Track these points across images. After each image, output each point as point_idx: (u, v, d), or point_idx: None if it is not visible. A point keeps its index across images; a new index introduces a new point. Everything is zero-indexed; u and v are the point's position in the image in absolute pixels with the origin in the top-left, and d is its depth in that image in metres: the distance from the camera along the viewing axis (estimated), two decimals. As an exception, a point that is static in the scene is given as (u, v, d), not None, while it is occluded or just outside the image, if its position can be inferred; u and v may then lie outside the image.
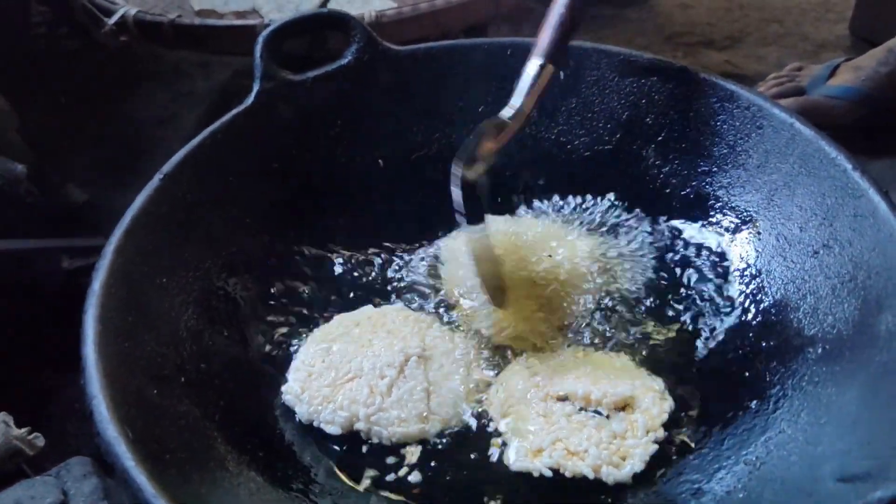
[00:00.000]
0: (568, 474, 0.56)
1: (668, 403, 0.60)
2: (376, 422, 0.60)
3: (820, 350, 0.56)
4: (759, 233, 0.66)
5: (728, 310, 0.66)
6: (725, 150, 0.69)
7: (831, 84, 1.15)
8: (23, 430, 0.66)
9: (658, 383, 0.61)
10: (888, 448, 0.43)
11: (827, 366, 0.54)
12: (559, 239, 0.73)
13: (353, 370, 0.63)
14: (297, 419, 0.61)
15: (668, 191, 0.73)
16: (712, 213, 0.70)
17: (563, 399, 0.60)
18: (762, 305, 0.63)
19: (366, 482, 0.58)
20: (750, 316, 0.64)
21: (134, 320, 0.55)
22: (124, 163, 1.16)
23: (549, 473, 0.56)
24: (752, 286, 0.65)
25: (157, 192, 0.62)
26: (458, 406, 0.62)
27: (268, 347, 0.66)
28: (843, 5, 1.49)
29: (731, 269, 0.68)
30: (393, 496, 0.57)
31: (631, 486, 0.56)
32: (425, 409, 0.61)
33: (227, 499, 0.49)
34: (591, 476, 0.55)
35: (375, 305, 0.70)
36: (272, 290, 0.70)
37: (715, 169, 0.70)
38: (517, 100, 0.66)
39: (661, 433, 0.58)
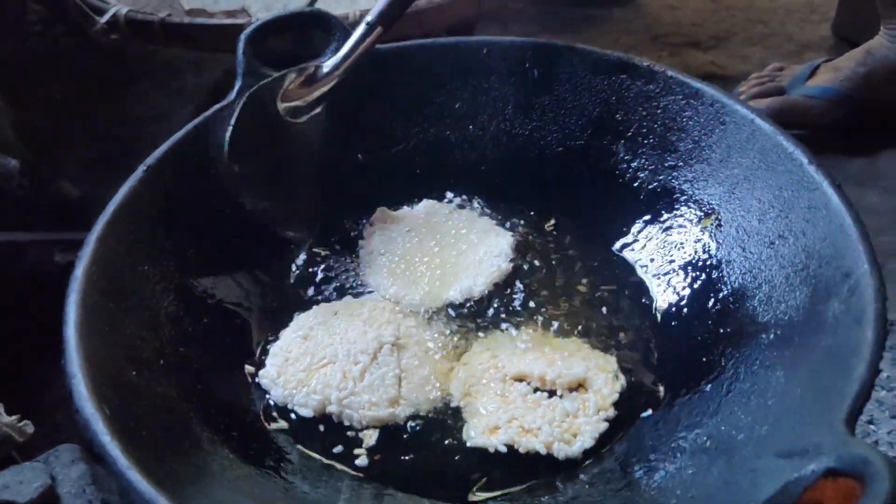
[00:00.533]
0: (522, 450, 0.59)
1: (620, 383, 0.63)
2: (348, 405, 0.62)
3: (772, 336, 0.58)
4: (720, 225, 0.68)
5: (689, 300, 0.68)
6: (691, 146, 0.72)
7: (810, 84, 1.17)
8: (13, 417, 0.68)
9: (611, 363, 0.64)
10: (825, 426, 0.45)
11: (778, 350, 0.56)
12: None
13: (328, 356, 0.65)
14: (272, 401, 0.64)
15: (636, 185, 0.75)
16: (677, 206, 0.72)
17: (521, 380, 0.63)
18: (721, 294, 0.66)
19: (336, 462, 0.60)
20: (710, 304, 0.66)
21: (115, 306, 0.57)
22: (117, 159, 1.17)
23: (503, 449, 0.59)
24: (713, 276, 0.67)
25: (141, 183, 0.65)
26: (427, 391, 0.64)
27: (242, 330, 0.69)
28: (827, 6, 1.50)
29: (693, 260, 0.70)
30: (361, 475, 0.59)
31: (585, 463, 0.58)
32: (396, 394, 0.63)
33: (199, 473, 0.51)
34: (543, 452, 0.58)
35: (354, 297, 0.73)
36: (253, 281, 0.72)
37: (681, 164, 0.72)
38: (341, 53, 0.73)
39: (611, 412, 0.61)
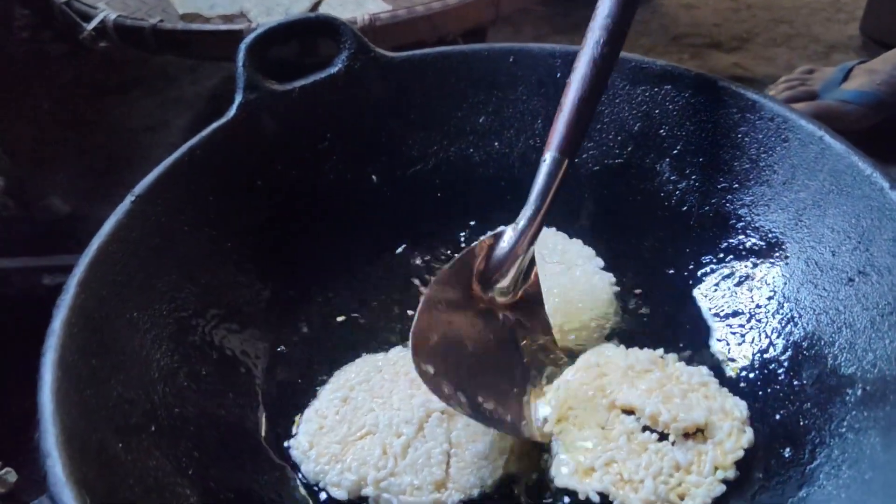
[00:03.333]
0: (616, 503, 0.51)
1: (747, 437, 0.54)
2: (386, 488, 0.53)
3: (860, 392, 0.50)
4: (786, 257, 0.61)
5: (753, 342, 0.61)
6: (748, 165, 0.64)
7: (845, 88, 1.13)
8: (-6, 466, 0.61)
9: (739, 409, 0.55)
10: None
11: (869, 410, 0.49)
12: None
13: (367, 425, 0.56)
14: (301, 478, 0.56)
15: (684, 209, 0.68)
16: (733, 234, 0.65)
17: (629, 412, 0.54)
18: (792, 338, 0.58)
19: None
20: (779, 350, 0.58)
21: (98, 363, 0.49)
22: (109, 172, 1.12)
23: (596, 499, 0.51)
24: (779, 316, 0.60)
25: (128, 216, 0.57)
26: (481, 473, 0.54)
27: (246, 383, 0.61)
28: (853, 5, 1.46)
29: (756, 296, 0.62)
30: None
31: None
32: (443, 475, 0.54)
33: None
34: None
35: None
36: (263, 327, 0.64)
37: (736, 185, 0.65)
38: (527, 210, 0.60)
39: (731, 472, 0.52)
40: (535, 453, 0.56)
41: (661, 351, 0.60)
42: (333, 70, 0.69)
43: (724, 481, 0.52)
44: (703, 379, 0.57)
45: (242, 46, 0.66)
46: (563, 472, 0.53)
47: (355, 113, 0.70)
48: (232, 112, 0.65)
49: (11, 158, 1.10)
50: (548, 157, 0.59)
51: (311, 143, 0.70)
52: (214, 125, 0.64)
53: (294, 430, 0.59)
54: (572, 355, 0.61)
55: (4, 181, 1.02)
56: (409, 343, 0.53)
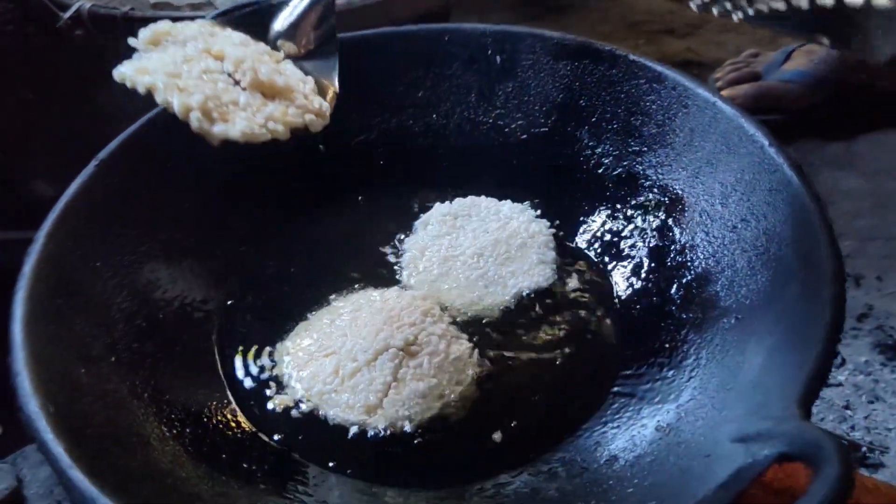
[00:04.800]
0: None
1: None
2: (326, 401, 0.61)
3: (733, 320, 0.57)
4: (684, 210, 0.68)
5: (653, 285, 0.67)
6: (655, 130, 0.71)
7: (786, 68, 1.17)
8: (-22, 420, 0.67)
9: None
10: (779, 409, 0.44)
11: (738, 334, 0.56)
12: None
13: (334, 347, 0.64)
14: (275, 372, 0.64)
15: (601, 171, 0.74)
16: (642, 192, 0.72)
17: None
18: (685, 280, 0.65)
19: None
20: (673, 290, 0.65)
21: (63, 302, 0.56)
22: (91, 157, 1.16)
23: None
24: (677, 261, 0.67)
25: (92, 178, 0.63)
26: (412, 410, 0.60)
27: (203, 327, 0.67)
28: (803, -8, 1.50)
29: (658, 245, 0.69)
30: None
31: (551, 451, 0.58)
32: (377, 402, 0.60)
33: (147, 471, 0.50)
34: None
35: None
36: (214, 278, 0.71)
37: (645, 149, 0.72)
38: None
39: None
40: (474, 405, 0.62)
41: None
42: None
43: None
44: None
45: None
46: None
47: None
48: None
49: (-2, 144, 1.14)
50: None
51: (264, 115, 0.76)
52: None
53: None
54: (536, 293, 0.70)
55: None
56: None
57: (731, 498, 0.41)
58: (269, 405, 0.62)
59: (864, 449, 0.76)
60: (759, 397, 0.48)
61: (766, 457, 0.41)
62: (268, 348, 0.66)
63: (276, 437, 0.60)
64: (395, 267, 0.73)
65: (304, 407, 0.62)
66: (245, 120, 0.59)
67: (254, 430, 0.60)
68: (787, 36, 1.41)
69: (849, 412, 0.80)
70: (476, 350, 0.65)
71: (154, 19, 1.00)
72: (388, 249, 0.75)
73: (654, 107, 0.70)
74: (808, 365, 0.46)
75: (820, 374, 0.45)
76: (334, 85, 0.69)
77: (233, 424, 0.60)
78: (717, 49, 1.40)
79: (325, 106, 0.64)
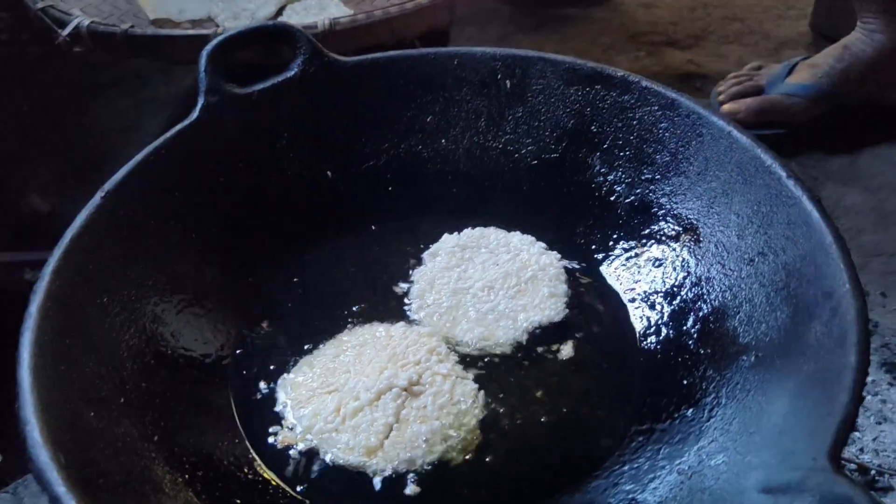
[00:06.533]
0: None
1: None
2: (326, 440, 0.60)
3: (753, 358, 0.56)
4: (699, 241, 0.67)
5: (669, 318, 0.67)
6: (668, 158, 0.70)
7: (789, 82, 1.17)
8: (-20, 448, 0.66)
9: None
10: (807, 459, 0.43)
11: (759, 374, 0.55)
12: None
13: (337, 384, 0.63)
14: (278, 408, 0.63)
15: (612, 199, 0.73)
16: (655, 221, 0.71)
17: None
18: (701, 313, 0.64)
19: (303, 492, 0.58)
20: (689, 323, 0.64)
21: (72, 342, 0.55)
22: (87, 171, 1.15)
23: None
24: (692, 294, 0.66)
25: (98, 210, 0.62)
26: (414, 453, 0.59)
27: (211, 361, 0.66)
28: (804, 2, 1.51)
29: (672, 276, 0.68)
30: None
31: (566, 492, 0.56)
32: (378, 444, 0.59)
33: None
34: None
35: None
36: (223, 313, 0.70)
37: (658, 176, 0.71)
38: None
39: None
40: (477, 447, 0.61)
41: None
42: (290, 74, 0.74)
43: None
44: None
45: (204, 53, 0.71)
46: None
47: (311, 114, 0.75)
48: (195, 114, 0.70)
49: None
50: None
51: (270, 143, 0.75)
52: (178, 126, 0.69)
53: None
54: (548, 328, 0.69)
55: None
56: None
57: (762, 555, 0.41)
58: (270, 440, 0.61)
59: (873, 472, 0.75)
60: (785, 444, 0.47)
61: (797, 512, 0.40)
62: (272, 383, 0.65)
63: (285, 479, 0.59)
64: (404, 299, 0.72)
65: (302, 446, 0.61)
66: None
67: (265, 471, 0.59)
68: (790, 49, 1.40)
69: (857, 434, 0.79)
70: (482, 391, 0.64)
71: (155, 38, 1.00)
72: (396, 281, 0.74)
73: (667, 134, 0.70)
74: (837, 414, 0.45)
75: (848, 423, 0.45)
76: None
77: (244, 465, 0.59)
78: (720, 61, 1.39)
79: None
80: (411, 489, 0.58)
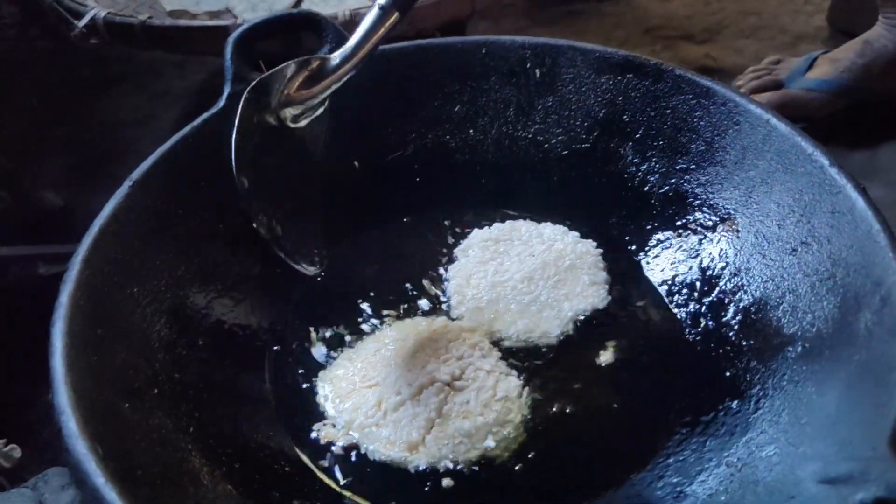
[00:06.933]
0: None
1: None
2: (367, 435, 0.59)
3: (800, 349, 0.55)
4: (737, 230, 0.66)
5: (708, 309, 0.65)
6: (703, 147, 0.69)
7: (809, 77, 1.16)
8: (-1, 441, 0.64)
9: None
10: (867, 448, 0.42)
11: (807, 364, 0.54)
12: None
13: (377, 378, 0.61)
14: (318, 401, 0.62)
15: (646, 189, 0.72)
16: (690, 211, 0.70)
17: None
18: (742, 304, 0.63)
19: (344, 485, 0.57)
20: (730, 315, 0.63)
21: (103, 332, 0.54)
22: (100, 166, 1.14)
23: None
24: (731, 285, 0.65)
25: (127, 199, 0.61)
26: (456, 449, 0.58)
27: (245, 353, 0.65)
28: (820, -4, 1.49)
29: (711, 267, 0.67)
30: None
31: (613, 486, 0.55)
32: (419, 439, 0.58)
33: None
34: None
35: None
36: (257, 298, 0.69)
37: (693, 166, 0.70)
38: (351, 42, 0.64)
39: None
40: (521, 443, 0.60)
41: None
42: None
43: None
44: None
45: (230, 41, 0.69)
46: None
47: (337, 103, 0.74)
48: (221, 103, 0.69)
49: (4, 153, 1.12)
50: (382, 1, 0.63)
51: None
52: (205, 115, 0.68)
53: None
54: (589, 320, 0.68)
55: (-1, 175, 1.05)
56: (232, 150, 0.59)
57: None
58: (313, 435, 0.60)
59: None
60: (841, 434, 0.46)
61: (862, 501, 0.39)
62: (311, 377, 0.64)
63: (324, 472, 0.58)
64: (440, 296, 0.71)
65: (343, 441, 0.59)
66: None
67: (303, 464, 0.58)
68: (807, 43, 1.39)
69: None
70: (526, 388, 0.62)
71: (173, 29, 0.99)
72: (429, 274, 0.73)
73: (702, 123, 0.68)
74: (895, 402, 0.44)
75: (908, 412, 0.43)
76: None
77: (281, 458, 0.58)
78: (737, 55, 1.38)
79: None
80: (451, 484, 0.56)
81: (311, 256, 0.64)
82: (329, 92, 0.66)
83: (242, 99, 0.62)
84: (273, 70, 0.64)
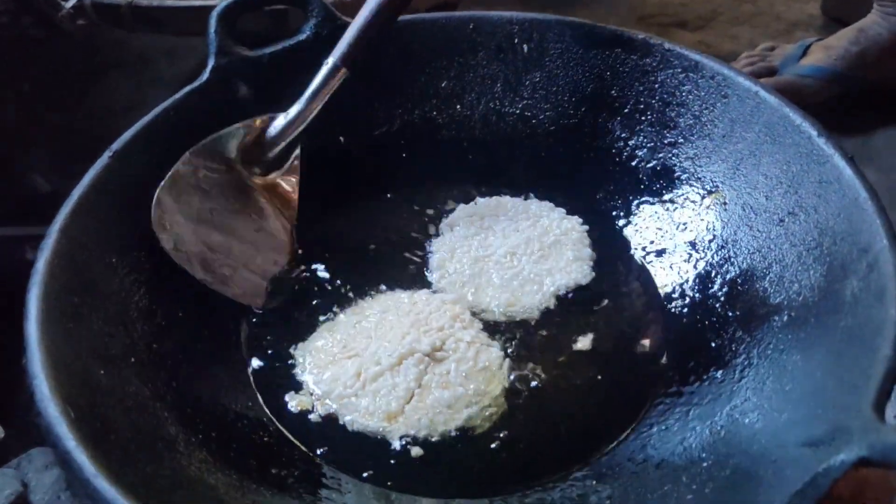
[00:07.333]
0: None
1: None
2: (345, 405, 0.58)
3: (785, 317, 0.55)
4: (725, 203, 0.65)
5: (694, 281, 0.65)
6: (691, 121, 0.68)
7: (803, 63, 1.16)
8: (-18, 422, 0.64)
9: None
10: (850, 412, 0.41)
11: (792, 333, 0.53)
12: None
13: (357, 349, 0.61)
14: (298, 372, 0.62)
15: (634, 163, 0.72)
16: (678, 185, 0.69)
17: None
18: (728, 276, 0.62)
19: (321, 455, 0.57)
20: (716, 287, 0.63)
21: (80, 300, 0.53)
22: (89, 152, 1.13)
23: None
24: (718, 257, 0.64)
25: (106, 170, 0.60)
26: (436, 419, 0.57)
27: (225, 326, 0.64)
28: (814, -16, 1.49)
29: (698, 240, 0.67)
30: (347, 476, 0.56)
31: (595, 455, 0.55)
32: (398, 409, 0.57)
33: (174, 478, 0.47)
34: None
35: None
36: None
37: (681, 140, 0.69)
38: (299, 104, 0.67)
39: None
40: (502, 414, 0.59)
41: None
42: (302, 37, 0.72)
43: None
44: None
45: (214, 14, 0.69)
46: None
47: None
48: (205, 76, 0.68)
49: (-6, 138, 1.12)
50: (330, 61, 0.66)
51: (281, 107, 0.73)
52: (188, 88, 0.68)
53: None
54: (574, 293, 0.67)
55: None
56: (153, 213, 0.60)
57: (809, 506, 0.39)
58: (290, 406, 0.59)
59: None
60: (826, 399, 0.45)
61: (844, 462, 0.38)
62: (290, 347, 0.64)
63: (302, 442, 0.57)
64: (424, 268, 0.70)
65: (322, 410, 0.59)
66: None
67: (281, 434, 0.57)
68: (802, 31, 1.39)
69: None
70: (507, 359, 0.62)
71: (160, 9, 0.98)
72: (413, 249, 0.72)
73: (690, 97, 0.68)
74: (880, 365, 0.43)
75: (892, 374, 0.43)
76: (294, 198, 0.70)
77: (259, 428, 0.57)
78: (731, 42, 1.38)
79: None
80: (430, 454, 0.56)
81: (261, 295, 0.66)
82: (277, 151, 0.69)
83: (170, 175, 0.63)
84: (215, 136, 0.67)
